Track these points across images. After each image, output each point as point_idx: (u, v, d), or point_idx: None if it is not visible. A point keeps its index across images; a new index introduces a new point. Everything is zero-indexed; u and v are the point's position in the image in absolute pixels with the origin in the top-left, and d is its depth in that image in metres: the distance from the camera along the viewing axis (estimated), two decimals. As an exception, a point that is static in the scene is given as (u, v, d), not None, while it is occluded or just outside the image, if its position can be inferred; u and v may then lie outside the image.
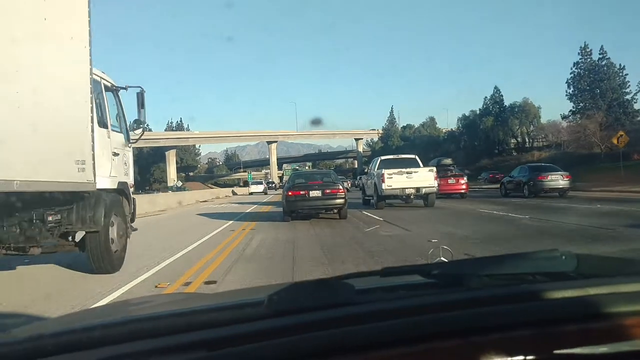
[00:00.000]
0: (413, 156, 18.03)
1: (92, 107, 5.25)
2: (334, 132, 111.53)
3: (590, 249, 6.09)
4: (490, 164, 54.50)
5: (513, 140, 61.27)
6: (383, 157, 18.41)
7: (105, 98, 6.27)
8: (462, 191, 20.57)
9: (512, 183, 21.06)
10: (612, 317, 0.83)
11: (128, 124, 7.23)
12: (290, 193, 12.50)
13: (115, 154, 6.57)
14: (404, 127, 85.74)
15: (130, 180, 7.08)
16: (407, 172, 15.92)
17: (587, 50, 51.36)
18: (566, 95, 52.77)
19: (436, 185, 16.25)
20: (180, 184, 76.88)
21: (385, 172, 15.78)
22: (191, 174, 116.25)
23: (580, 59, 51.70)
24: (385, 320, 0.81)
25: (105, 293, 5.03)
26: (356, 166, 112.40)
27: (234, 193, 47.60)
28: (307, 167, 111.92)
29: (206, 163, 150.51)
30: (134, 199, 7.04)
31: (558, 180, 19.08)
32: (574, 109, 52.18)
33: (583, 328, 0.81)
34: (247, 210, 19.24)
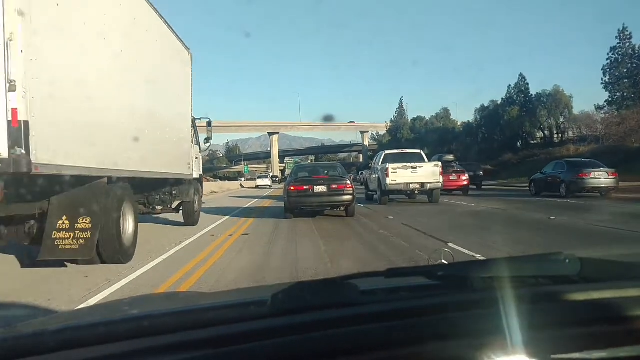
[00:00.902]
0: (418, 151, 18.14)
1: (192, 133, 10.20)
2: (339, 124, 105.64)
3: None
4: (515, 159, 48.57)
5: (539, 134, 54.51)
6: (387, 152, 18.45)
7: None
8: (464, 187, 20.43)
9: (545, 181, 18.86)
10: (615, 322, 0.84)
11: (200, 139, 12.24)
12: (292, 188, 11.34)
13: (196, 158, 11.11)
14: (414, 120, 79.50)
15: (201, 173, 12.06)
16: (412, 167, 15.78)
17: (627, 33, 44.91)
18: (601, 83, 46.30)
19: (441, 180, 16.02)
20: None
21: (390, 166, 15.65)
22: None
23: (618, 43, 45.31)
24: (389, 321, 0.83)
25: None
26: (361, 160, 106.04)
27: (241, 186, 52.42)
28: (309, 161, 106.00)
29: (207, 155, 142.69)
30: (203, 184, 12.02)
31: (601, 178, 17.01)
32: (611, 99, 45.33)
33: (585, 332, 0.82)
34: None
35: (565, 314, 0.86)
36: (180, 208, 10.35)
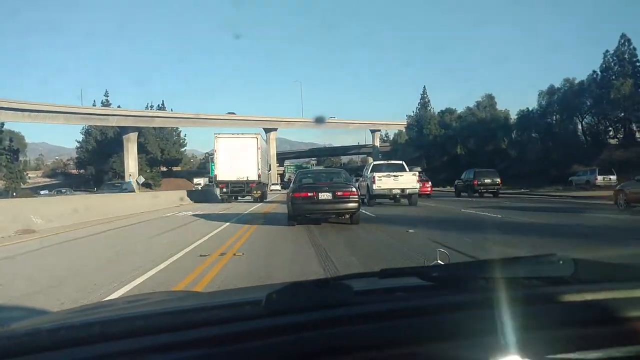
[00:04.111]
0: (400, 162, 20.57)
1: (267, 162, 36.67)
2: (346, 122, 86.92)
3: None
4: (630, 157, 27.83)
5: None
6: (375, 162, 22.86)
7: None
8: (428, 192, 25.44)
9: None
10: (609, 323, 0.85)
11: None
12: (296, 195, 10.68)
13: (270, 175, 46.80)
14: (442, 112, 58.95)
15: (266, 179, 32.53)
16: (394, 175, 18.27)
17: None
18: None
19: (418, 187, 19.12)
20: (142, 180, 49.77)
21: (376, 175, 18.47)
22: (175, 168, 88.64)
23: None
24: (383, 322, 0.84)
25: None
26: (371, 162, 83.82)
27: None
28: (312, 164, 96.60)
29: (202, 158, 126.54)
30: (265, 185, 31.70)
31: None
32: None
33: (579, 333, 0.83)
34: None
35: (559, 315, 0.85)
36: (257, 193, 25.99)
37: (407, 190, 17.98)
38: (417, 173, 19.59)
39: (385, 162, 21.88)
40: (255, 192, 25.39)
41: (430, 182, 26.09)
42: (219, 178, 25.45)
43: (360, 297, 0.92)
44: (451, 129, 60.94)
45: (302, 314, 0.84)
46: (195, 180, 77.08)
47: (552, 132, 46.28)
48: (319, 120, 78.32)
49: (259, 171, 25.68)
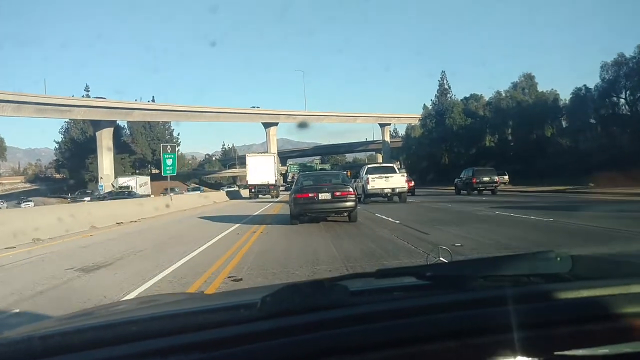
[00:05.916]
0: (391, 165, 25.09)
1: (279, 171, 48.07)
2: (354, 115, 77.26)
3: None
4: None
5: None
6: (369, 165, 25.41)
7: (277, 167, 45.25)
8: (410, 188, 27.19)
9: None
10: (607, 319, 0.85)
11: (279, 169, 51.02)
12: (298, 196, 11.69)
13: (279, 179, 49.63)
14: (466, 99, 48.86)
15: (279, 183, 44.12)
16: (386, 177, 20.53)
17: None
18: None
19: (406, 186, 22.01)
20: (118, 183, 40.24)
21: (369, 176, 20.73)
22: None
23: None
24: (379, 322, 0.83)
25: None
26: (380, 161, 74.40)
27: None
28: (316, 162, 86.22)
29: (202, 160, 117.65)
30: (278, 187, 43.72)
31: None
32: None
33: (577, 330, 0.83)
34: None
35: (558, 312, 0.84)
36: (274, 193, 36.71)
37: (397, 189, 20.34)
38: (405, 174, 22.76)
39: (377, 165, 26.91)
40: (273, 191, 36.04)
41: (413, 182, 29.48)
42: (250, 182, 36.55)
43: (356, 297, 0.92)
44: (478, 117, 51.16)
45: (297, 316, 0.83)
46: (121, 180, 51.24)
47: (618, 115, 36.36)
48: (303, 125, 69.33)
49: (275, 177, 37.18)
